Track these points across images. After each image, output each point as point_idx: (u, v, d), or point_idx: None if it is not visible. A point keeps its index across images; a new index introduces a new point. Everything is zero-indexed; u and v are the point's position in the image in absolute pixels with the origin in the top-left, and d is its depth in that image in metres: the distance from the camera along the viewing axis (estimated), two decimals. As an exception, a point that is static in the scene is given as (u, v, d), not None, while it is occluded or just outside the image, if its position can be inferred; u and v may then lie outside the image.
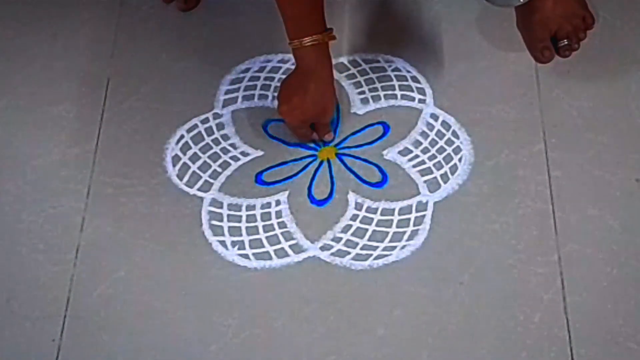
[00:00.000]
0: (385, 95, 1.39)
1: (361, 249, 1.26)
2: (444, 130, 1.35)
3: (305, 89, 1.27)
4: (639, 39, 1.41)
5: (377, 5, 1.47)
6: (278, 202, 1.31)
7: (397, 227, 1.27)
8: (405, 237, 1.26)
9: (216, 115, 1.39)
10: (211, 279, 1.25)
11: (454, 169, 1.31)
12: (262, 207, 1.30)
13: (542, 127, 1.34)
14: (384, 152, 1.34)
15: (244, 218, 1.30)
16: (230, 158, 1.35)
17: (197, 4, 1.50)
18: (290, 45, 1.26)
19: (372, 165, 1.33)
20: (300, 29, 1.24)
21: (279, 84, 1.40)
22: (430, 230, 1.27)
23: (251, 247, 1.27)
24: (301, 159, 1.34)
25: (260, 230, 1.29)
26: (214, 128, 1.38)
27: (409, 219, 1.28)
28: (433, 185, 1.30)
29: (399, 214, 1.28)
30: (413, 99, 1.38)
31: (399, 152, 1.34)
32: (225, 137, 1.37)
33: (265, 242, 1.28)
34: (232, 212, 1.30)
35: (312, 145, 1.35)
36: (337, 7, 1.47)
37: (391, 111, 1.37)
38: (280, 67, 1.42)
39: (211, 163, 1.34)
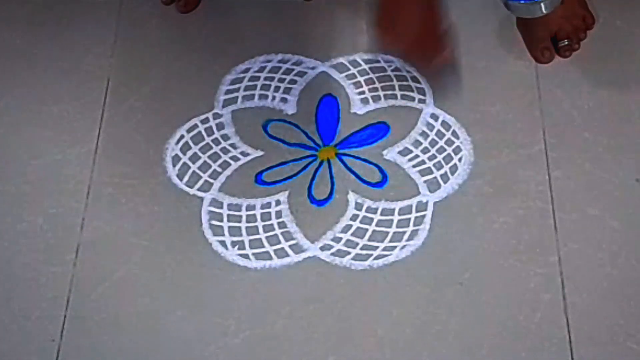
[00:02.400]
0: (385, 95, 1.39)
1: (361, 249, 1.26)
2: (444, 130, 1.35)
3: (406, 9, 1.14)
4: (639, 39, 1.41)
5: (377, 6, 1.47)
6: (278, 202, 1.31)
7: (397, 227, 1.27)
8: (405, 237, 1.26)
9: (216, 115, 1.39)
10: (211, 279, 1.25)
11: (454, 169, 1.31)
12: (262, 207, 1.30)
13: (542, 127, 1.34)
14: (384, 152, 1.34)
15: (244, 218, 1.30)
16: (230, 158, 1.35)
17: (196, 6, 1.50)
18: None
19: (372, 165, 1.33)
20: None
21: (279, 84, 1.41)
22: (430, 230, 1.27)
23: (251, 247, 1.27)
24: (301, 159, 1.34)
25: (260, 230, 1.29)
26: (214, 128, 1.38)
27: (409, 219, 1.28)
28: (433, 185, 1.30)
29: (399, 214, 1.28)
30: (413, 99, 1.38)
31: (399, 152, 1.34)
32: (225, 137, 1.37)
33: (265, 242, 1.27)
34: (232, 212, 1.30)
35: (311, 145, 1.35)
36: (338, 7, 1.47)
37: (391, 111, 1.37)
38: (280, 67, 1.42)
39: (211, 163, 1.34)
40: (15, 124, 1.40)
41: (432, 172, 1.31)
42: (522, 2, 1.26)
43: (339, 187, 1.31)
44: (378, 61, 1.42)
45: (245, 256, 1.26)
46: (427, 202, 1.29)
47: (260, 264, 1.26)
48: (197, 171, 1.34)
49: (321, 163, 1.34)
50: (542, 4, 1.25)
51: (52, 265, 1.27)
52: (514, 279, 1.22)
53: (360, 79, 1.40)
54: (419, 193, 1.30)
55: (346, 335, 1.19)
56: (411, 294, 1.22)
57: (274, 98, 1.40)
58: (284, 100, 1.39)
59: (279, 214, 1.30)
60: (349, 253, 1.26)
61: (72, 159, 1.35)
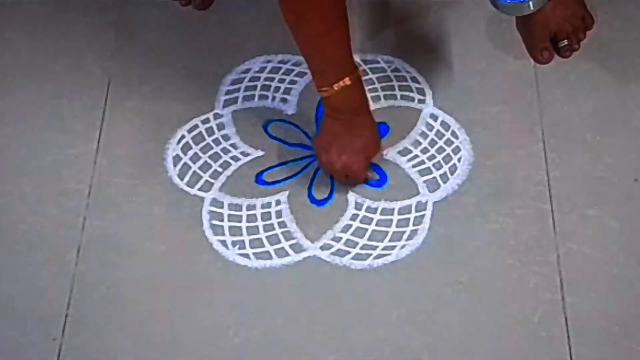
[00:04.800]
0: (384, 96, 1.39)
1: (361, 248, 1.26)
2: (443, 131, 1.35)
3: (356, 129, 1.24)
4: (638, 39, 1.41)
5: (377, 6, 1.47)
6: (278, 202, 1.31)
7: (397, 226, 1.28)
8: (405, 236, 1.27)
9: (217, 116, 1.39)
10: (211, 279, 1.25)
11: (453, 169, 1.32)
12: (263, 206, 1.31)
13: (542, 127, 1.34)
14: (384, 152, 1.34)
15: (244, 218, 1.30)
16: (231, 158, 1.35)
17: (211, 3, 1.49)
18: (325, 92, 1.20)
19: (372, 165, 1.33)
20: (340, 71, 1.19)
21: (279, 84, 1.41)
22: (430, 230, 1.27)
23: (251, 247, 1.27)
24: (301, 159, 1.34)
25: (261, 229, 1.29)
26: (215, 128, 1.38)
27: (408, 219, 1.28)
28: (432, 185, 1.31)
29: (399, 214, 1.29)
30: (412, 99, 1.38)
31: (399, 152, 1.34)
32: (226, 137, 1.37)
33: (265, 241, 1.28)
34: (232, 212, 1.30)
35: (311, 145, 1.35)
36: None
37: (391, 111, 1.38)
38: (280, 68, 1.43)
39: (212, 163, 1.35)
40: (15, 124, 1.40)
41: (431, 172, 1.32)
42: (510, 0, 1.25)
43: (339, 187, 1.31)
44: (378, 61, 1.42)
45: (246, 256, 1.27)
46: (426, 202, 1.29)
47: (261, 264, 1.26)
48: (198, 171, 1.34)
49: (321, 163, 1.34)
50: (530, 2, 1.24)
51: (53, 265, 1.27)
52: (513, 279, 1.22)
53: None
54: (418, 193, 1.30)
55: (346, 335, 1.20)
56: (411, 293, 1.22)
57: (274, 98, 1.40)
58: (284, 100, 1.40)
59: (279, 214, 1.30)
60: (348, 252, 1.26)
61: (73, 159, 1.36)
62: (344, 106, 1.22)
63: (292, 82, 1.41)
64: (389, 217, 1.29)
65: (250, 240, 1.28)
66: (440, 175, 1.31)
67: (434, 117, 1.36)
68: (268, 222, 1.29)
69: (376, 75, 1.41)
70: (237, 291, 1.24)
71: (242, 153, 1.35)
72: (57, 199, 1.32)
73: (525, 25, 1.39)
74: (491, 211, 1.27)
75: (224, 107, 1.40)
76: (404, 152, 1.34)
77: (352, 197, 1.31)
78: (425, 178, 1.31)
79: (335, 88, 1.19)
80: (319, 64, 1.19)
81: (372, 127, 1.27)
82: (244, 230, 1.29)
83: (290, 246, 1.27)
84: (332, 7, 1.12)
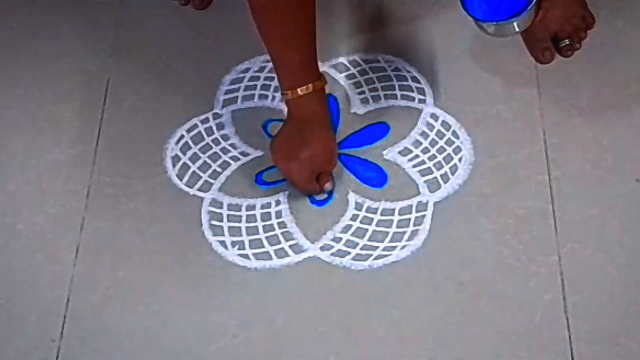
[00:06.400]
0: (385, 95, 1.39)
1: (361, 249, 1.26)
2: (444, 130, 1.35)
3: (307, 139, 1.23)
4: (639, 39, 1.41)
5: (377, 5, 1.47)
6: (278, 202, 1.31)
7: (397, 227, 1.27)
8: (406, 237, 1.26)
9: (216, 115, 1.39)
10: (211, 279, 1.25)
11: (454, 169, 1.31)
12: (262, 207, 1.30)
13: (543, 127, 1.34)
14: (384, 152, 1.34)
15: (243, 218, 1.30)
16: (230, 158, 1.35)
17: (210, 3, 1.49)
18: (284, 96, 1.22)
19: (372, 165, 1.33)
20: (297, 78, 1.20)
21: (279, 84, 1.40)
22: (431, 230, 1.27)
23: (251, 247, 1.27)
24: (301, 159, 1.34)
25: (260, 230, 1.29)
26: (214, 128, 1.38)
27: (409, 219, 1.28)
28: (433, 185, 1.30)
29: (399, 214, 1.28)
30: (413, 99, 1.38)
31: (399, 152, 1.34)
32: (225, 137, 1.37)
33: (265, 242, 1.27)
34: (232, 212, 1.30)
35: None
36: (338, 6, 1.47)
37: (391, 111, 1.37)
38: (280, 67, 1.42)
39: (211, 163, 1.34)
40: (15, 124, 1.40)
41: (432, 172, 1.31)
42: (495, 21, 1.22)
43: (339, 187, 1.31)
44: (378, 61, 1.42)
45: (245, 256, 1.26)
46: (427, 202, 1.29)
47: (260, 264, 1.26)
48: (197, 171, 1.34)
49: (321, 163, 1.34)
50: (515, 23, 1.22)
51: (52, 265, 1.27)
52: (514, 279, 1.22)
53: (360, 79, 1.40)
54: (419, 193, 1.30)
55: (346, 335, 1.19)
56: (411, 294, 1.22)
57: (273, 98, 1.40)
58: (284, 100, 1.39)
59: (279, 214, 1.30)
60: (349, 253, 1.26)
61: (72, 159, 1.36)
62: (299, 113, 1.23)
63: (292, 81, 1.41)
64: (390, 217, 1.28)
65: (250, 241, 1.28)
66: (441, 176, 1.31)
67: (435, 117, 1.36)
68: (268, 223, 1.29)
69: (376, 75, 1.40)
70: (237, 291, 1.24)
71: (242, 153, 1.35)
72: (56, 199, 1.32)
73: (526, 25, 1.39)
74: (492, 211, 1.27)
75: (223, 106, 1.40)
76: (405, 152, 1.33)
77: (352, 197, 1.30)
78: (425, 178, 1.31)
79: (299, 92, 1.20)
80: (280, 66, 1.21)
81: (326, 140, 1.25)
82: (244, 231, 1.29)
83: (290, 247, 1.27)
84: (296, 11, 1.13)
